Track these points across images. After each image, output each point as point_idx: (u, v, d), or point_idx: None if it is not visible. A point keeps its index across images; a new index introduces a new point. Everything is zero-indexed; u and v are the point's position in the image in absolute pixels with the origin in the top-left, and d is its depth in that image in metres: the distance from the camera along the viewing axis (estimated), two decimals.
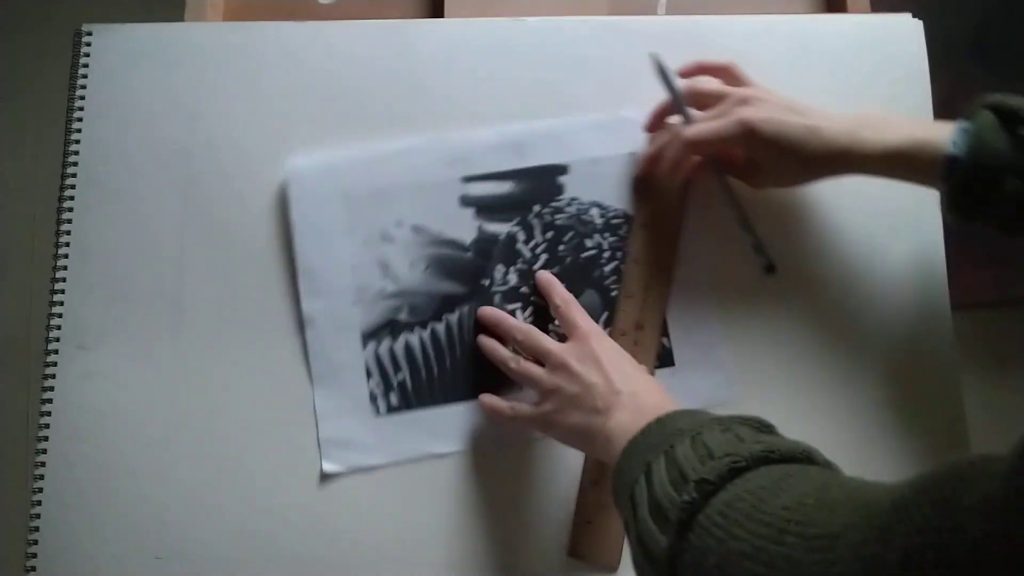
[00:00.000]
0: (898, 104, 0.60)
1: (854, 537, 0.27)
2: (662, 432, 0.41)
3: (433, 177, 0.59)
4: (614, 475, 0.43)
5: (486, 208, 0.59)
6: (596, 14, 0.67)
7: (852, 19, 0.64)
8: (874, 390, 0.57)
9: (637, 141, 0.60)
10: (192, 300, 0.58)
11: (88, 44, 0.62)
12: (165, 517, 0.56)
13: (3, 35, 1.31)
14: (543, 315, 0.58)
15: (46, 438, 0.57)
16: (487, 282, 0.59)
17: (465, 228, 0.59)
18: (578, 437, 0.50)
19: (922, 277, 0.59)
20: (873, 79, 0.59)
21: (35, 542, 0.55)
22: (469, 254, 0.59)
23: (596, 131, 0.60)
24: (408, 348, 0.58)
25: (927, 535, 0.24)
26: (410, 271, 0.58)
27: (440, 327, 0.58)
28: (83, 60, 0.61)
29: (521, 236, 0.59)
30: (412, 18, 0.68)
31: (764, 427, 0.41)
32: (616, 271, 0.59)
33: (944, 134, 0.49)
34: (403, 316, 0.58)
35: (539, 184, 0.60)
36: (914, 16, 0.63)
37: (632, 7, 0.68)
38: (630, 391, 0.48)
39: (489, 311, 0.56)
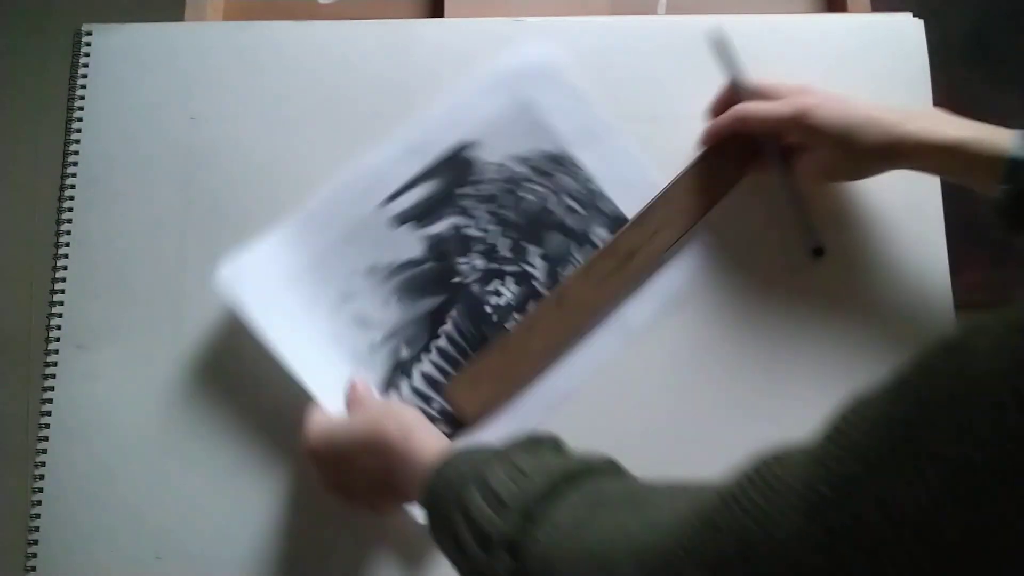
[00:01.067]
0: (899, 104, 0.60)
1: (692, 543, 0.28)
2: (446, 484, 0.40)
3: (356, 215, 0.58)
4: (433, 536, 0.42)
5: (419, 216, 0.59)
6: (596, 14, 0.67)
7: (852, 19, 0.64)
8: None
9: (517, 88, 0.60)
10: (192, 300, 0.58)
11: (88, 44, 0.62)
12: (165, 517, 0.56)
13: (3, 35, 1.30)
14: (525, 281, 0.58)
15: (46, 438, 0.57)
16: (458, 279, 0.58)
17: (410, 244, 0.58)
18: (405, 501, 0.51)
19: (925, 277, 0.59)
20: (873, 79, 0.59)
21: (35, 542, 0.55)
22: (428, 264, 0.58)
23: (478, 96, 0.60)
24: (427, 378, 0.57)
25: (753, 513, 0.26)
26: (385, 310, 0.58)
27: (443, 343, 0.58)
28: (83, 60, 0.61)
29: (463, 222, 0.59)
30: (412, 18, 0.68)
31: (536, 443, 0.40)
32: (566, 208, 0.59)
33: (1003, 136, 0.49)
34: (404, 354, 0.57)
35: (453, 169, 0.59)
36: (914, 16, 0.63)
37: (632, 7, 0.68)
38: (384, 459, 0.47)
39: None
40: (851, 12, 0.66)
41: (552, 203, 0.59)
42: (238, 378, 0.57)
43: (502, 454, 0.39)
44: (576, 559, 0.31)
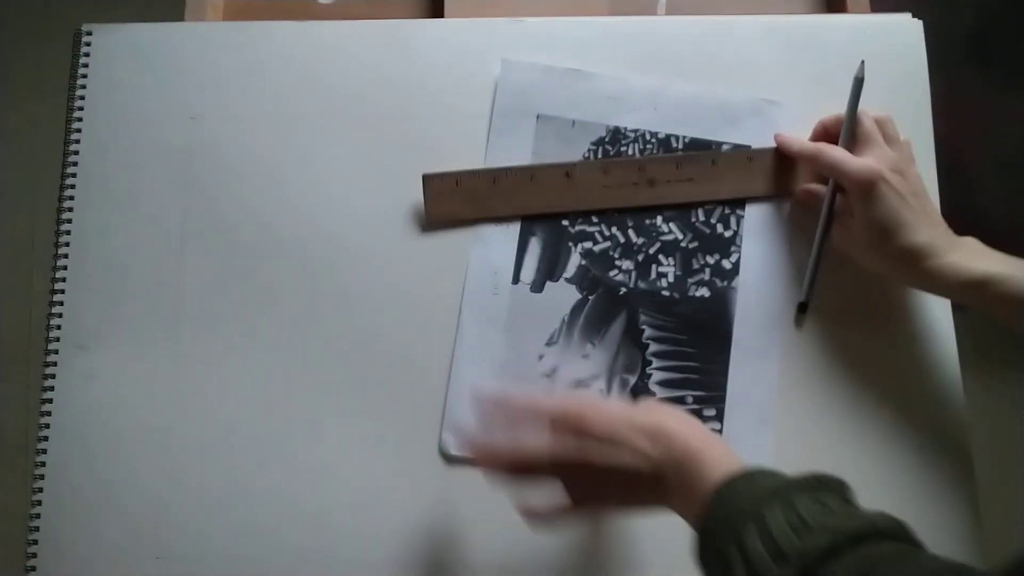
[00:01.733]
0: (898, 104, 0.60)
1: None
2: (725, 512, 0.40)
3: (499, 308, 0.58)
4: (698, 558, 0.41)
5: (547, 271, 0.59)
6: (596, 14, 0.67)
7: (852, 19, 0.64)
8: (874, 390, 0.57)
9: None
10: (192, 300, 0.58)
11: (88, 44, 0.62)
12: (165, 517, 0.56)
13: (3, 35, 1.31)
14: (674, 247, 0.59)
15: (46, 438, 0.57)
16: (623, 289, 0.58)
17: (561, 295, 0.59)
18: (641, 509, 0.48)
19: None
20: (873, 79, 0.59)
21: (35, 542, 0.55)
22: (590, 298, 0.58)
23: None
24: (666, 384, 0.57)
25: None
26: (589, 360, 0.58)
27: (655, 347, 0.58)
28: (83, 60, 0.61)
29: (586, 245, 0.59)
30: (412, 18, 0.68)
31: (822, 485, 0.40)
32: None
33: (1020, 272, 0.48)
34: (632, 380, 0.57)
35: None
36: (914, 16, 0.63)
37: (632, 7, 0.68)
38: (666, 451, 0.44)
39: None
40: (851, 12, 0.66)
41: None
42: (237, 378, 0.57)
43: (784, 494, 0.39)
44: None
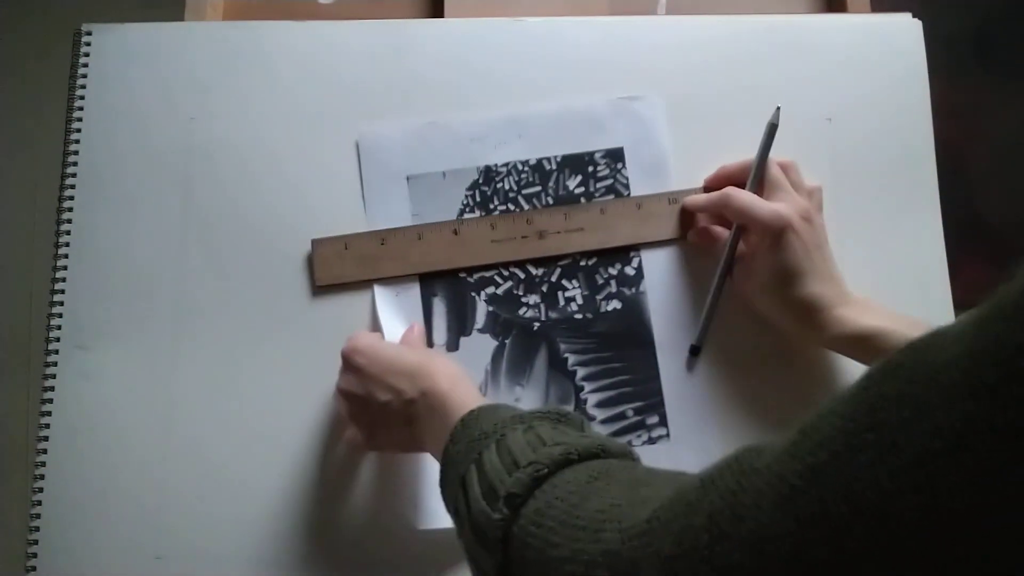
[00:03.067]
0: (898, 104, 0.60)
1: (666, 516, 0.28)
2: (468, 437, 0.42)
3: None
4: (440, 487, 0.44)
5: (459, 327, 0.58)
6: (596, 14, 0.67)
7: (852, 19, 0.64)
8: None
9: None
10: (192, 300, 0.58)
11: (88, 44, 0.62)
12: (165, 517, 0.56)
13: (3, 35, 1.31)
14: (575, 268, 0.59)
15: (46, 438, 0.57)
16: (536, 324, 0.58)
17: (478, 348, 0.58)
18: (408, 448, 0.52)
19: (924, 277, 0.59)
20: (873, 79, 0.59)
21: (35, 542, 0.55)
22: (506, 341, 0.58)
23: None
24: (601, 404, 0.57)
25: (726, 497, 0.26)
26: (523, 403, 0.55)
27: (583, 371, 0.58)
28: (83, 60, 0.61)
29: (488, 291, 0.58)
30: (412, 18, 0.68)
31: (562, 419, 0.41)
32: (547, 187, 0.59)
33: (920, 329, 0.48)
34: (570, 411, 0.58)
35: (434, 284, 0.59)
36: (914, 16, 0.63)
37: (632, 7, 0.68)
38: (420, 392, 0.48)
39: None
40: (851, 12, 0.66)
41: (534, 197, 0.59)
42: (237, 378, 0.57)
43: (527, 420, 0.41)
44: (565, 519, 0.33)
